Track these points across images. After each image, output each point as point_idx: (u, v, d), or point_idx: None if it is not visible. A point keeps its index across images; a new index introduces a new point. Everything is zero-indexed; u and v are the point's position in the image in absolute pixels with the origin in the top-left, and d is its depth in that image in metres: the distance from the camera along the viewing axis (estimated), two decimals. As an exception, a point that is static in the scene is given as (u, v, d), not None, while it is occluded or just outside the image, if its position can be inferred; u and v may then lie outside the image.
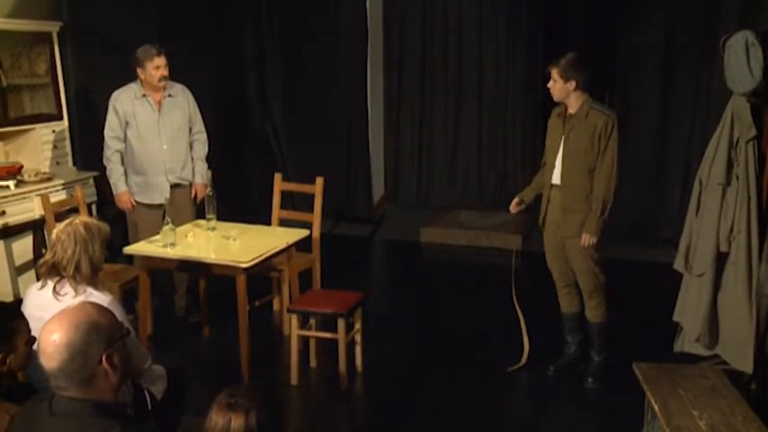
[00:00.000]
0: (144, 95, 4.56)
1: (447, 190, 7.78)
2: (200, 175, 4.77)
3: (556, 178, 3.82)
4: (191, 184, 4.77)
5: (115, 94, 4.58)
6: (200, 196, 4.75)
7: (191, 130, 4.74)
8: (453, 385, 4.04)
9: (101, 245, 2.74)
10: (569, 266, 3.92)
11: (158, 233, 4.17)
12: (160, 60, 4.46)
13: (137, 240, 4.45)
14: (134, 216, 4.68)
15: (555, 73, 3.70)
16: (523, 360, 4.13)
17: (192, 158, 4.77)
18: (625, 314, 3.94)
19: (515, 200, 4.06)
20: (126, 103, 4.55)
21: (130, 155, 4.61)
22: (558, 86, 3.71)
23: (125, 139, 4.59)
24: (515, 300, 4.12)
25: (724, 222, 3.52)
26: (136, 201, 4.65)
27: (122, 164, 4.62)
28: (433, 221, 7.13)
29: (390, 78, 7.75)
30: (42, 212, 4.74)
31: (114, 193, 4.66)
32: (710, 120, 5.62)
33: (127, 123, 4.56)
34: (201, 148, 4.79)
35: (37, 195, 4.75)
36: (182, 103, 4.67)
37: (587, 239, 3.72)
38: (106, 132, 4.59)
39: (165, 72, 4.50)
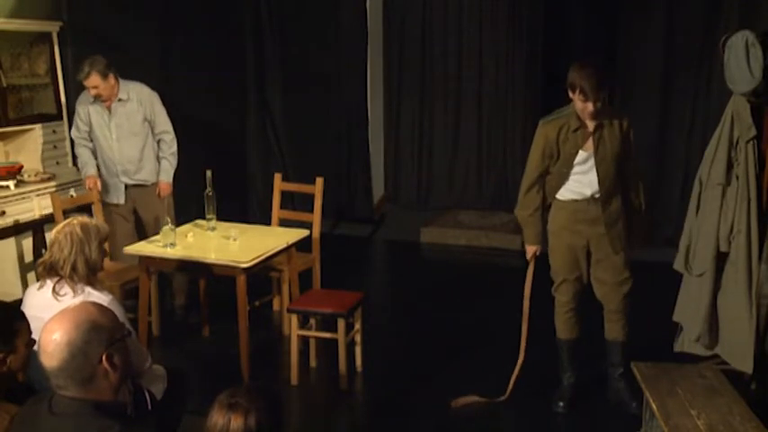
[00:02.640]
0: (95, 101, 4.61)
1: (447, 190, 7.77)
2: (165, 174, 4.81)
3: (588, 191, 3.55)
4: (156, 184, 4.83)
5: (79, 97, 4.71)
6: (162, 194, 4.79)
7: (153, 130, 4.76)
8: (453, 385, 4.04)
9: (98, 245, 2.75)
10: (582, 284, 3.71)
11: (125, 233, 4.52)
12: (87, 83, 4.48)
13: (113, 240, 4.59)
14: (106, 215, 4.77)
15: (601, 97, 3.33)
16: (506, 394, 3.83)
17: (159, 158, 4.81)
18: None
19: (534, 249, 3.73)
20: (84, 106, 4.67)
21: (96, 156, 4.76)
22: (600, 106, 3.36)
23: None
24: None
25: (724, 222, 3.52)
26: (103, 200, 4.78)
27: (93, 155, 4.75)
28: (433, 221, 7.13)
29: (390, 78, 7.75)
30: (42, 212, 4.76)
31: (83, 178, 4.79)
32: (710, 120, 5.63)
33: (87, 126, 4.70)
34: (167, 147, 4.82)
35: (37, 195, 4.76)
36: (134, 106, 4.67)
37: (641, 241, 3.65)
38: (72, 133, 4.81)
39: (98, 92, 4.51)
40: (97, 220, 2.92)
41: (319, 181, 4.87)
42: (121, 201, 4.76)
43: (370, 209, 7.46)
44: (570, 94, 3.40)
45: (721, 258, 3.56)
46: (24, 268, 4.81)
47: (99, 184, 4.71)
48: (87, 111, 4.65)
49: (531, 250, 3.74)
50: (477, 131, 7.56)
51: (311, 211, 4.88)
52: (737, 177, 3.47)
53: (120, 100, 4.62)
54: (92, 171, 4.72)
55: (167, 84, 4.89)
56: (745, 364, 3.49)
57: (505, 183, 7.54)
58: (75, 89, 5.30)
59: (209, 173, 4.36)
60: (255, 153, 7.46)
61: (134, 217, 4.84)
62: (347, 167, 7.42)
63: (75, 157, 5.28)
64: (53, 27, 5.06)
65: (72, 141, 5.22)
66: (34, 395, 2.06)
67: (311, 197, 4.92)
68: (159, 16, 5.97)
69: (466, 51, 7.42)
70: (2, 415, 2.04)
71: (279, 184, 5.08)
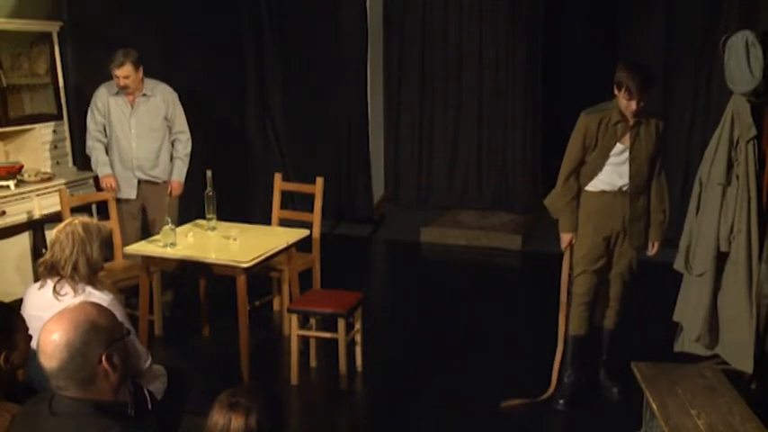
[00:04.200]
0: (118, 93, 4.62)
1: (447, 190, 7.77)
2: (178, 173, 4.83)
3: (619, 182, 3.65)
4: (168, 182, 4.83)
5: (99, 88, 4.70)
6: (174, 193, 4.82)
7: (171, 129, 4.79)
8: (453, 385, 4.04)
9: (99, 245, 2.75)
10: (600, 278, 3.79)
11: (133, 231, 4.48)
12: (120, 72, 4.49)
13: (124, 238, 4.60)
14: (118, 214, 4.75)
15: (645, 97, 3.48)
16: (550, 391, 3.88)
17: (172, 157, 4.83)
18: (625, 314, 3.93)
19: (570, 237, 3.76)
20: (103, 98, 4.66)
21: (109, 148, 4.74)
22: (642, 105, 3.51)
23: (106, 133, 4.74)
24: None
25: (724, 222, 3.52)
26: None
27: (106, 153, 4.73)
28: (433, 221, 7.13)
29: (390, 78, 7.75)
30: (42, 212, 4.76)
31: (99, 177, 4.75)
32: (710, 120, 5.63)
33: (105, 118, 4.68)
34: (182, 147, 4.84)
35: (37, 195, 4.76)
36: (158, 103, 4.71)
37: (658, 247, 3.79)
38: (88, 124, 4.73)
39: (127, 83, 4.53)
40: (98, 219, 2.93)
41: (319, 181, 4.87)
42: (132, 195, 4.74)
43: (370, 209, 7.46)
44: (615, 91, 3.55)
45: (721, 258, 3.57)
46: (25, 268, 4.81)
47: (116, 184, 4.71)
48: (107, 103, 4.65)
49: (566, 238, 3.79)
50: (477, 131, 7.57)
51: (311, 211, 4.88)
52: (737, 177, 3.47)
53: (144, 95, 4.65)
54: (109, 170, 4.72)
55: (167, 83, 4.89)
56: (745, 364, 3.49)
57: (505, 182, 7.54)
58: (75, 89, 5.31)
59: (209, 173, 4.36)
60: (255, 153, 7.46)
61: (141, 216, 4.84)
62: (347, 167, 7.42)
63: (75, 157, 5.30)
64: (53, 27, 5.06)
65: (71, 136, 5.23)
66: (34, 395, 2.06)
67: (311, 197, 4.91)
68: (159, 16, 5.96)
69: (466, 51, 7.42)
70: (2, 414, 2.04)
71: (279, 183, 5.08)
